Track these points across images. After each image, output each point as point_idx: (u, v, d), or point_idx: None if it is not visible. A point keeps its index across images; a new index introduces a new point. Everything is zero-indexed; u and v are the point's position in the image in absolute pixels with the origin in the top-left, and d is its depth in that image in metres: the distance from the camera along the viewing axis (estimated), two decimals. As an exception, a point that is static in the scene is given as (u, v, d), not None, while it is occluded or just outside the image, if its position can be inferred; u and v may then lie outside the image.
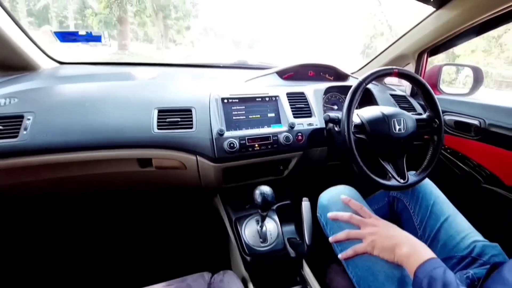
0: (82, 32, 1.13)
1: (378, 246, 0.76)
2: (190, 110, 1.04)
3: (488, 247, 0.82)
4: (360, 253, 0.79)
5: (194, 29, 19.57)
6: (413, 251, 0.70)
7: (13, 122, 0.87)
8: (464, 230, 0.87)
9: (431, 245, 0.89)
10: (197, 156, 1.01)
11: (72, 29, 14.79)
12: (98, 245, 1.48)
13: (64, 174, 0.96)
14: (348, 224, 0.85)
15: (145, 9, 14.37)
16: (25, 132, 0.86)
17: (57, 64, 1.30)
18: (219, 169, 1.04)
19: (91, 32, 1.14)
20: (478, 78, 1.48)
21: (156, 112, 1.00)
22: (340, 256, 0.82)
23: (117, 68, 1.41)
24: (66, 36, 1.13)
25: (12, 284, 1.31)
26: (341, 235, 0.83)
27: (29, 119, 0.88)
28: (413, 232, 0.95)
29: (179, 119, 1.00)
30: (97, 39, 1.17)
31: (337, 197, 0.91)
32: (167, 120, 0.99)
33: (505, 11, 1.08)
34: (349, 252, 0.80)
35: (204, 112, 1.04)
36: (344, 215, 0.85)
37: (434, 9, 1.29)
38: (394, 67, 1.00)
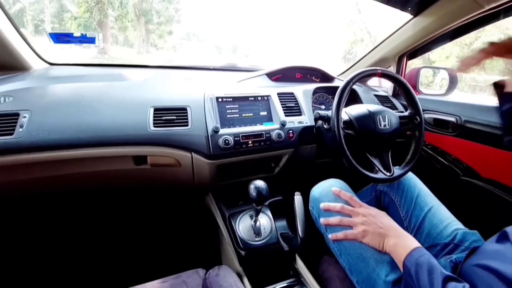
0: (77, 33, 1.13)
1: (367, 236, 0.80)
2: (185, 109, 1.06)
3: (469, 234, 0.88)
4: (349, 239, 0.83)
5: (177, 34, 19.53)
6: (400, 241, 0.75)
7: (9, 120, 0.86)
8: (446, 219, 0.94)
9: (416, 235, 0.95)
10: (192, 153, 1.03)
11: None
12: (92, 243, 1.46)
13: (59, 172, 0.95)
14: (340, 214, 0.90)
15: (127, 14, 14.16)
16: (21, 130, 0.86)
17: (48, 65, 1.30)
18: (213, 166, 1.06)
19: (85, 34, 1.15)
20: (453, 79, 1.58)
21: (152, 110, 1.02)
22: (330, 236, 0.87)
23: (108, 70, 1.41)
24: (60, 38, 1.13)
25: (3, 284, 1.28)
26: (333, 219, 0.87)
27: (25, 116, 0.88)
28: (400, 223, 1.00)
29: (174, 117, 1.03)
30: (92, 40, 1.17)
31: (328, 190, 0.96)
32: (163, 118, 1.01)
33: (474, 18, 1.19)
34: (339, 235, 0.84)
35: (199, 111, 1.07)
36: (336, 205, 0.89)
37: (412, 16, 1.38)
38: (378, 68, 1.07)
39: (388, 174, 1.00)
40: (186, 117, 1.05)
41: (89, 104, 0.98)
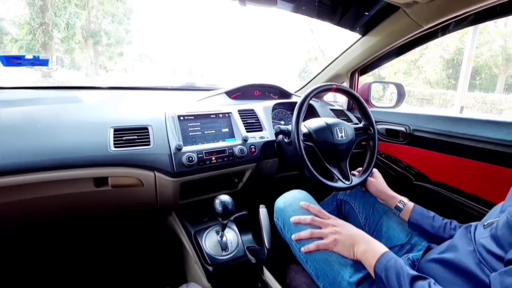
0: (29, 56, 1.09)
1: (338, 244, 0.82)
2: (146, 128, 1.05)
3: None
4: (321, 249, 0.84)
5: (128, 55, 18.98)
6: (369, 248, 0.77)
7: None
8: (402, 222, 1.00)
9: (376, 238, 0.99)
10: (155, 172, 1.02)
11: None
12: (52, 268, 1.37)
13: (15, 198, 0.90)
14: (310, 226, 0.91)
15: (74, 36, 13.47)
16: None
17: None
18: (177, 184, 1.06)
19: (38, 56, 1.11)
20: (401, 92, 1.72)
21: (112, 131, 1.00)
22: (303, 249, 0.86)
23: (60, 92, 1.36)
24: (10, 60, 1.08)
25: None
26: (304, 233, 0.87)
27: None
28: (360, 229, 1.06)
29: (136, 137, 1.01)
30: (44, 63, 1.13)
31: (292, 200, 0.99)
32: (124, 138, 1.00)
33: (415, 37, 1.32)
34: (311, 246, 0.84)
35: (161, 130, 1.07)
36: (307, 218, 0.90)
37: (360, 36, 1.51)
38: (333, 83, 1.14)
39: (347, 182, 1.05)
40: (147, 137, 1.04)
41: (45, 127, 0.95)
